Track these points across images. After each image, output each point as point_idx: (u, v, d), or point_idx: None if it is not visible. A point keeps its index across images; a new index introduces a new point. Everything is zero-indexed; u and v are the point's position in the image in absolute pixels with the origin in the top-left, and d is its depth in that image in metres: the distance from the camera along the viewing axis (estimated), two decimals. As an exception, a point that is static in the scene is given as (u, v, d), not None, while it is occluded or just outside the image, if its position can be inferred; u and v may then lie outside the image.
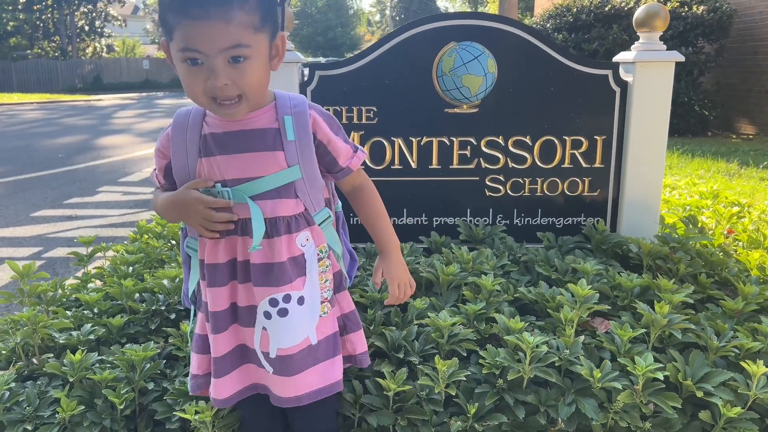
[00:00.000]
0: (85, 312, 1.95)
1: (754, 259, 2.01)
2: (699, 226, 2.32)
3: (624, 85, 2.26)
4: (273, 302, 1.21)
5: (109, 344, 1.82)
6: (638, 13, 2.22)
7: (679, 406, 1.44)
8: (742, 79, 8.19)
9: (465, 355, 1.60)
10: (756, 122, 8.15)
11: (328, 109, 2.28)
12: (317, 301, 1.26)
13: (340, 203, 1.43)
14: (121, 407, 1.52)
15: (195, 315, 1.37)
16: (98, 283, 2.31)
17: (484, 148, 2.31)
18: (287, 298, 1.21)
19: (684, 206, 2.66)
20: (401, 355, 1.60)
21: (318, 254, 1.26)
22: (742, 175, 5.97)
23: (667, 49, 2.22)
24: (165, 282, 1.98)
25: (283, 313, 1.21)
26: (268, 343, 1.23)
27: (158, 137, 1.26)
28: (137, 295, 2.00)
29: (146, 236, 2.62)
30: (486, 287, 1.79)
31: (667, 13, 2.21)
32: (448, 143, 2.30)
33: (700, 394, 1.46)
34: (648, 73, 2.21)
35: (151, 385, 1.60)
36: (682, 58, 2.19)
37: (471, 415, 1.45)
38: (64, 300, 2.13)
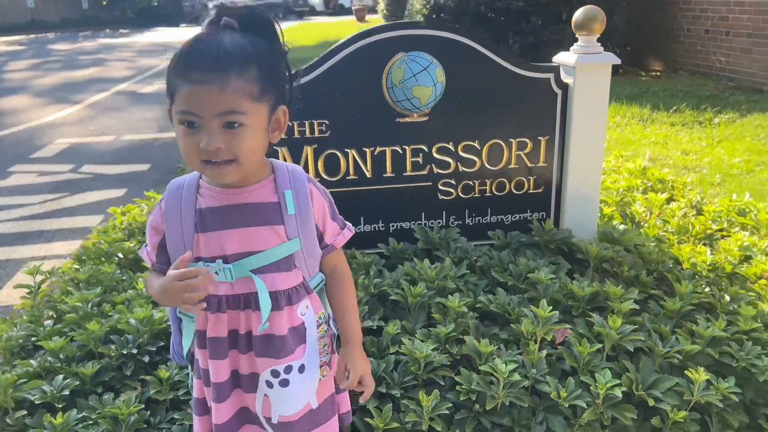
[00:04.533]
0: (49, 359, 1.91)
1: (685, 253, 2.22)
2: (635, 218, 2.51)
3: (565, 87, 2.36)
4: (275, 373, 1.23)
5: (84, 395, 1.81)
6: (577, 15, 2.29)
7: (635, 417, 1.63)
8: (649, 17, 8.52)
9: (443, 383, 1.72)
10: (663, 59, 8.57)
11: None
12: (317, 367, 1.29)
13: None
14: (114, 467, 1.55)
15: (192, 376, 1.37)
16: (50, 313, 2.25)
17: (435, 155, 2.36)
18: (288, 369, 1.24)
19: (617, 190, 2.85)
20: (383, 389, 1.69)
21: (317, 320, 1.29)
22: (655, 120, 6.34)
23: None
24: (132, 321, 1.96)
25: (284, 383, 1.24)
26: (270, 409, 1.27)
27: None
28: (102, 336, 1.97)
29: (90, 256, 2.54)
30: (453, 308, 1.90)
31: (604, 16, 2.29)
32: (401, 152, 2.34)
33: (651, 402, 1.65)
34: (587, 76, 2.31)
35: (139, 439, 1.63)
36: (618, 61, 2.30)
37: (453, 441, 1.58)
38: (20, 341, 2.07)
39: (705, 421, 1.69)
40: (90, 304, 2.10)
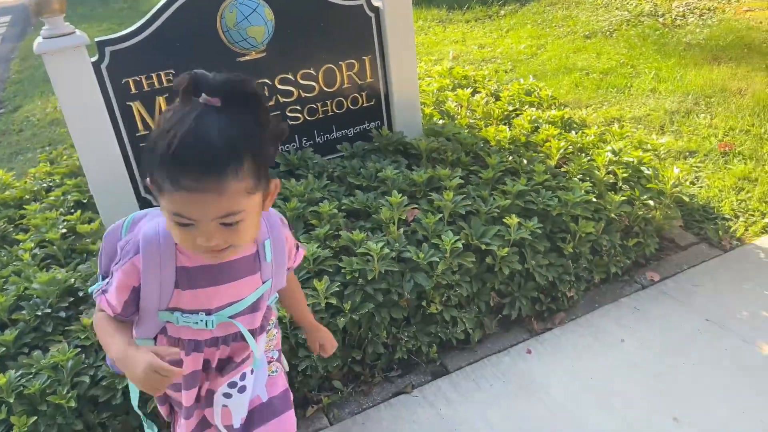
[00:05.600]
0: (-39, 338, 2.02)
1: (491, 134, 2.80)
2: (450, 112, 3.04)
3: (377, 11, 2.74)
4: (232, 384, 1.29)
5: (12, 358, 1.97)
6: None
7: (474, 260, 2.18)
8: None
9: (331, 271, 2.14)
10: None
11: (127, 82, 2.41)
12: (266, 365, 1.37)
13: None
14: (70, 404, 1.79)
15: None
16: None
17: (278, 86, 2.66)
18: (243, 377, 1.29)
19: (432, 92, 3.36)
20: (284, 286, 2.07)
21: (267, 327, 1.37)
22: (452, 20, 7.00)
23: None
24: (37, 286, 2.11)
25: (242, 389, 1.30)
26: (230, 417, 1.31)
27: (117, 267, 1.16)
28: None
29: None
30: (325, 212, 2.29)
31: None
32: (248, 88, 2.60)
33: (483, 246, 2.22)
34: (390, -2, 2.71)
35: (85, 378, 1.86)
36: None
37: (348, 311, 2.03)
38: None
39: (522, 252, 2.30)
40: (-16, 281, 2.19)
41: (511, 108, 3.22)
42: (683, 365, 2.06)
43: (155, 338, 1.24)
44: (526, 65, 5.07)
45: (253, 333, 1.26)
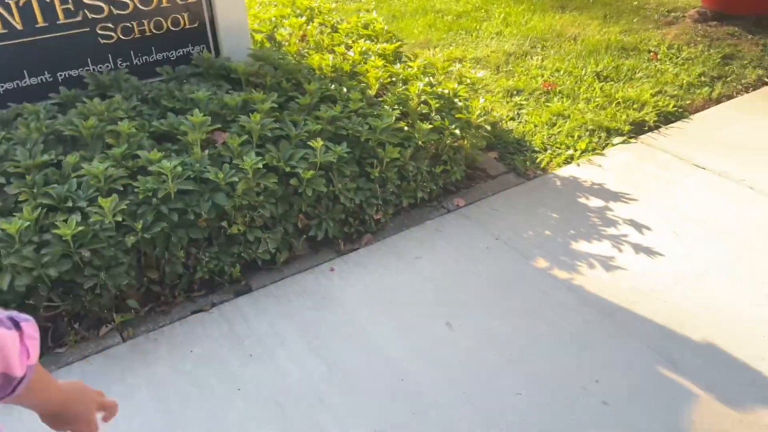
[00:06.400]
0: None
1: (315, 61, 2.79)
2: (279, 39, 2.99)
3: (195, -75, 2.62)
4: None
5: None
6: None
7: (277, 181, 2.20)
8: None
9: (122, 189, 2.08)
10: None
11: None
12: None
13: None
14: None
15: None
16: None
17: (85, 0, 2.50)
18: None
19: (270, 19, 3.29)
20: (70, 204, 2.00)
21: None
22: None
23: None
24: None
25: None
26: None
27: None
28: None
29: None
30: (124, 131, 2.22)
31: None
32: (48, 0, 2.43)
33: (288, 169, 2.24)
34: None
35: None
36: None
37: (139, 229, 2.00)
38: None
39: (329, 176, 2.34)
40: None
41: (348, 40, 3.22)
42: (466, 279, 2.21)
43: None
44: (388, 5, 5.08)
45: None
